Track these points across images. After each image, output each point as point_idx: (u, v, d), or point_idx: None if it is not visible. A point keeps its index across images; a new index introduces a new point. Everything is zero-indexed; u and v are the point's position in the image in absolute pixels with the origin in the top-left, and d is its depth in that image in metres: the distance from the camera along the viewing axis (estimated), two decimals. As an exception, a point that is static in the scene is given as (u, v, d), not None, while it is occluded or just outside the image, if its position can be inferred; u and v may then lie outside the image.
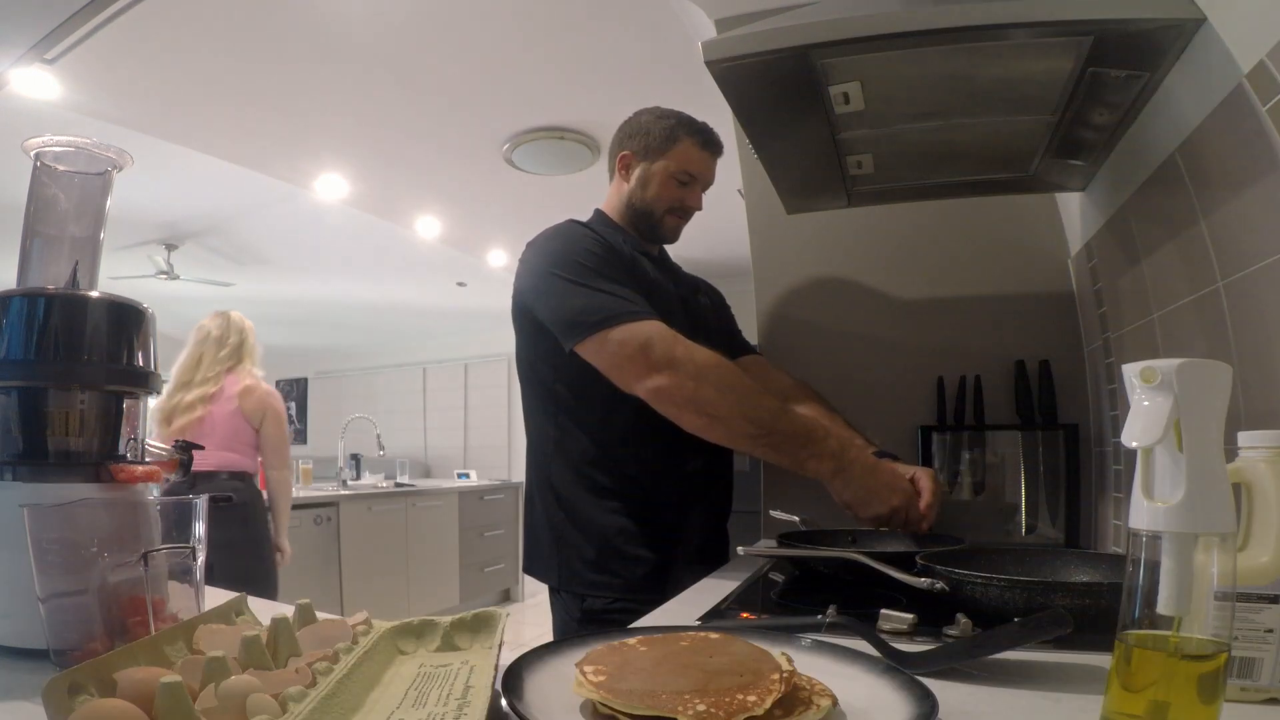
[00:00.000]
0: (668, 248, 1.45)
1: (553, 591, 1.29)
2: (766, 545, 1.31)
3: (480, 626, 0.65)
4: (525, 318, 1.24)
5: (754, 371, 1.42)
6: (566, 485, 1.25)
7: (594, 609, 1.20)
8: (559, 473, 1.26)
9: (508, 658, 0.59)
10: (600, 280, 1.15)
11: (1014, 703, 0.56)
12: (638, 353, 1.09)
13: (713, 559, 1.33)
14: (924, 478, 1.18)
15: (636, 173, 1.31)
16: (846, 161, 1.32)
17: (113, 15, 1.89)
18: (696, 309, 1.37)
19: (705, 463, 1.29)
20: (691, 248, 1.53)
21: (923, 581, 0.81)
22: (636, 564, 1.20)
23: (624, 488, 1.23)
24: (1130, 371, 0.46)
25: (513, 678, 0.54)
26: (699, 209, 1.34)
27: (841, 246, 1.79)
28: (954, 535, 1.23)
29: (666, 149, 1.29)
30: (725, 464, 1.40)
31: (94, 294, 0.72)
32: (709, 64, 1.00)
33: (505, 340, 1.90)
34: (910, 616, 0.76)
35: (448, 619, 0.66)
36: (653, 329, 1.10)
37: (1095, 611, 0.66)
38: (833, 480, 1.09)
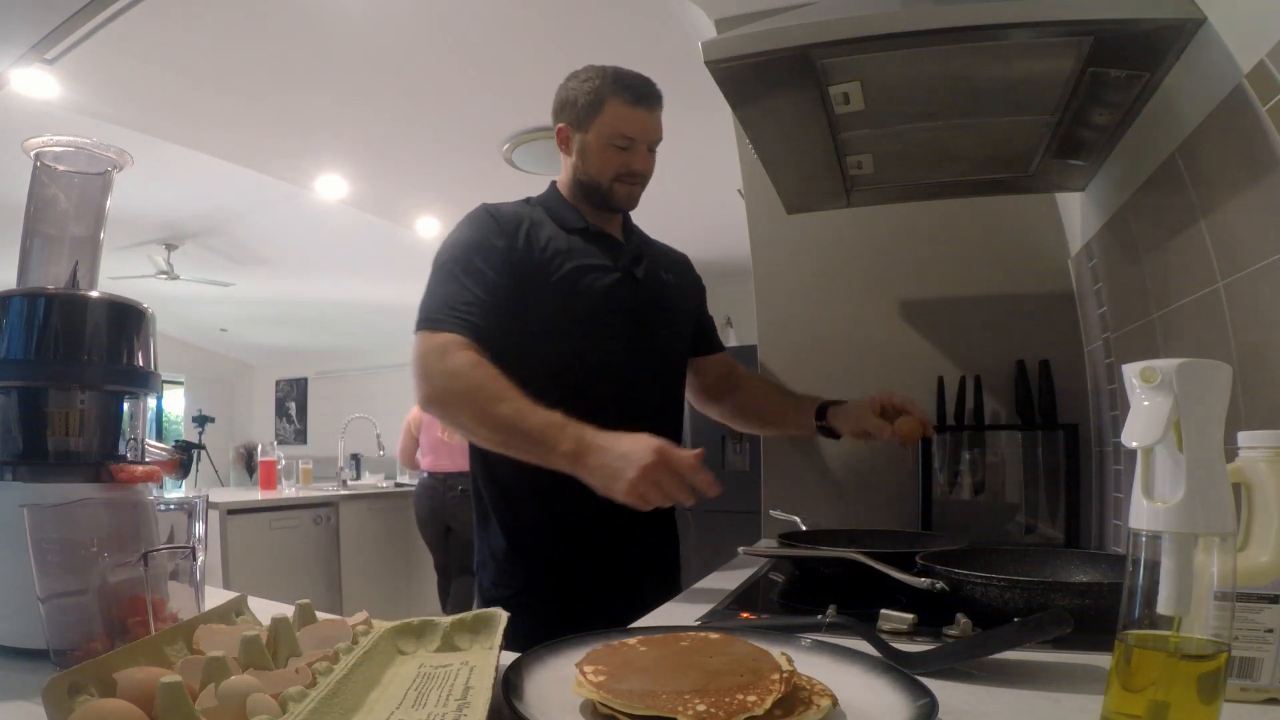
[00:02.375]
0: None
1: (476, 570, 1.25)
2: (766, 545, 1.31)
3: (480, 627, 0.65)
4: None
5: (718, 369, 1.43)
6: (487, 473, 1.21)
7: (494, 598, 1.15)
8: (478, 463, 1.22)
9: (507, 658, 0.59)
10: (449, 276, 1.11)
11: (1014, 703, 0.56)
12: (416, 364, 1.07)
13: (644, 566, 1.22)
14: (887, 399, 1.24)
15: (575, 145, 1.22)
16: (846, 161, 1.32)
17: (113, 15, 1.90)
18: (653, 284, 1.26)
19: None
20: (691, 247, 1.53)
21: (923, 581, 0.81)
22: (540, 563, 1.16)
23: (533, 484, 1.12)
24: (1130, 371, 0.46)
25: (513, 678, 0.54)
26: (648, 170, 1.22)
27: (841, 246, 1.79)
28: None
29: (595, 115, 1.18)
30: None
31: (94, 294, 0.72)
32: (709, 64, 1.00)
33: (505, 340, 1.87)
34: (910, 616, 0.76)
35: (448, 619, 0.65)
36: (434, 341, 1.06)
37: (1095, 611, 0.66)
38: (576, 471, 0.98)
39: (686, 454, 0.93)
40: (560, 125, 1.24)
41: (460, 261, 1.12)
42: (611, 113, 1.18)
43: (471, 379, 1.04)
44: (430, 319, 1.09)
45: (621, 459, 0.93)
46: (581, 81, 1.21)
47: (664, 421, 1.21)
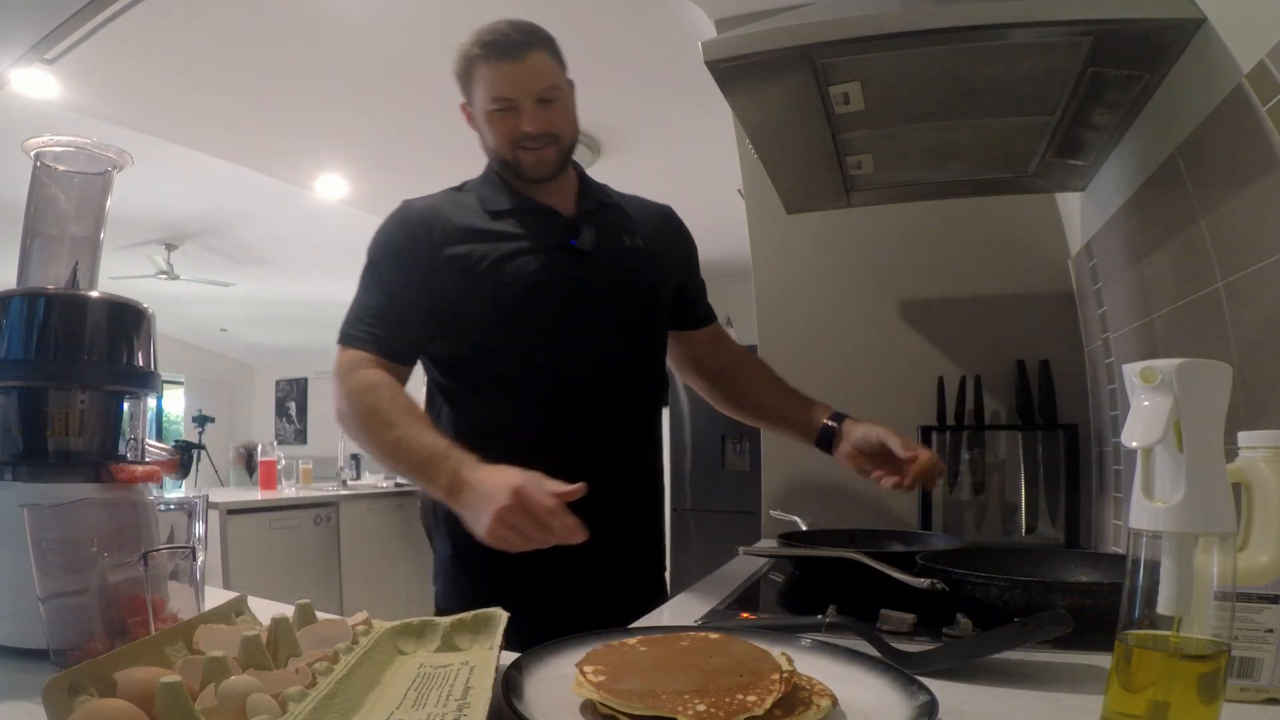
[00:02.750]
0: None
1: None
2: (766, 545, 1.31)
3: (480, 627, 0.65)
4: None
5: (708, 342, 1.28)
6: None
7: (444, 611, 1.00)
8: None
9: (507, 658, 0.59)
10: (364, 285, 1.08)
11: (1014, 703, 0.56)
12: (333, 380, 1.04)
13: (612, 577, 1.08)
14: (888, 437, 1.08)
15: (475, 123, 1.11)
16: (846, 161, 1.32)
17: (113, 15, 1.89)
18: (606, 256, 1.10)
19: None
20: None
21: (923, 581, 0.81)
22: (487, 575, 1.05)
23: None
24: (1130, 371, 0.46)
25: (513, 678, 0.54)
26: (547, 128, 1.05)
27: (841, 246, 1.79)
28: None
29: (472, 84, 1.06)
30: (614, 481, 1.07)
31: (94, 294, 0.72)
32: (709, 64, 1.01)
33: (505, 340, 1.86)
34: (910, 616, 0.76)
35: (448, 619, 0.65)
36: (344, 358, 1.04)
37: (1095, 611, 0.66)
38: (452, 505, 0.92)
39: (546, 496, 0.82)
40: (462, 103, 1.13)
41: (371, 268, 1.07)
42: (480, 77, 1.04)
43: (364, 402, 0.99)
44: (343, 333, 1.06)
45: (482, 500, 0.85)
46: (456, 53, 1.08)
47: (631, 415, 1.12)
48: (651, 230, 1.18)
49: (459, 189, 1.14)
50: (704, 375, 1.30)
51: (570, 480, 0.95)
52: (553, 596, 1.01)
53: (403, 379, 1.07)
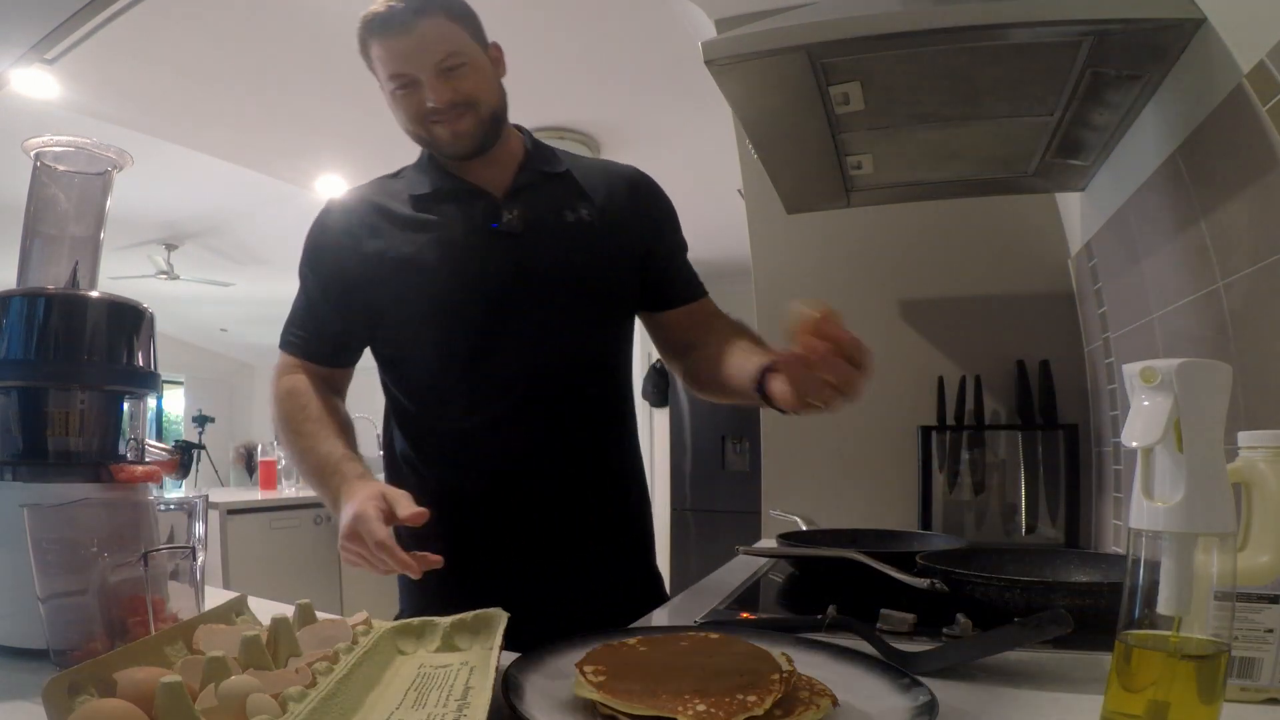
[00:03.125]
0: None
1: None
2: (766, 545, 1.31)
3: (480, 627, 0.65)
4: None
5: (683, 321, 1.09)
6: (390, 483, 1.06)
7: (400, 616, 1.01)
8: (389, 467, 1.10)
9: (507, 658, 0.59)
10: (301, 288, 1.06)
11: (1014, 703, 0.56)
12: None
13: (567, 589, 0.98)
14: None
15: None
16: (846, 161, 1.32)
17: (113, 15, 1.89)
18: (537, 235, 0.98)
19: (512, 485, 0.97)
20: (692, 248, 1.52)
21: (923, 581, 0.81)
22: (434, 583, 0.96)
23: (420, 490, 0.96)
24: (1130, 371, 0.46)
25: (513, 678, 0.54)
26: (452, 98, 0.94)
27: (841, 246, 1.79)
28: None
29: (372, 65, 0.98)
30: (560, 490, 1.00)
31: (94, 294, 0.72)
32: (709, 64, 1.01)
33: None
34: (910, 616, 0.75)
35: (448, 620, 0.65)
36: (278, 364, 1.05)
37: (1095, 611, 0.66)
38: (336, 514, 0.87)
39: (379, 528, 0.76)
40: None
41: (300, 272, 1.05)
42: (375, 53, 0.96)
43: (279, 410, 0.99)
44: (281, 340, 1.06)
45: (341, 522, 0.82)
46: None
47: (574, 409, 1.00)
48: (607, 199, 1.03)
49: (394, 175, 1.08)
50: (675, 355, 1.12)
51: (499, 485, 0.97)
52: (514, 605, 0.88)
53: (336, 380, 1.06)
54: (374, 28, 0.94)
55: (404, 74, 0.94)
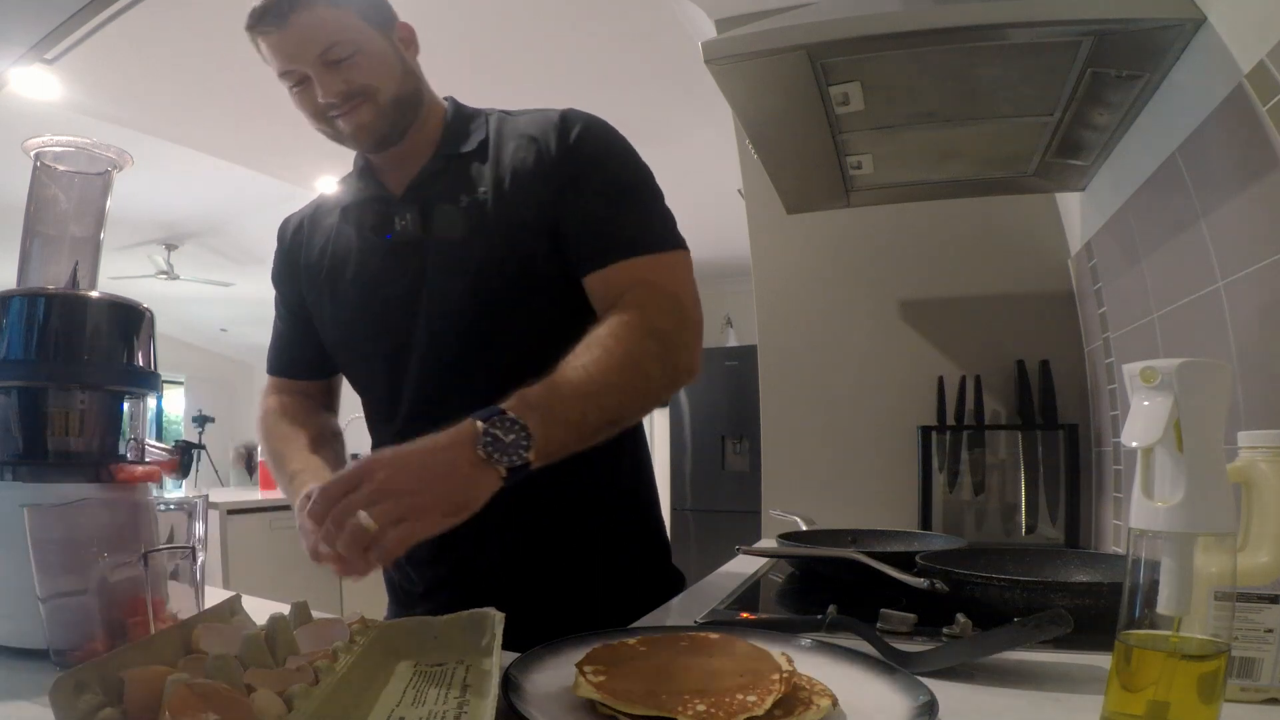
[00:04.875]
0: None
1: None
2: (766, 545, 1.31)
3: (474, 627, 0.65)
4: None
5: (602, 291, 0.87)
6: None
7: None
8: None
9: (507, 657, 0.59)
10: (275, 305, 1.07)
11: (1014, 703, 0.56)
12: None
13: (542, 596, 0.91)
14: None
15: None
16: (846, 161, 1.32)
17: (113, 15, 1.89)
18: (441, 228, 0.90)
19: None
20: (691, 247, 1.51)
21: (923, 581, 0.81)
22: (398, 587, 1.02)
23: None
24: (1130, 371, 0.46)
25: (513, 677, 0.54)
26: (344, 88, 0.87)
27: (841, 246, 1.79)
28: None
29: (266, 62, 0.90)
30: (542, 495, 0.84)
31: (94, 294, 0.72)
32: (709, 64, 1.01)
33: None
34: (910, 616, 0.75)
35: (441, 619, 0.66)
36: (264, 387, 1.07)
37: (1095, 611, 0.66)
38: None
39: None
40: None
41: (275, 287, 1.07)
42: (262, 51, 0.89)
43: (261, 429, 1.01)
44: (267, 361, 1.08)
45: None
46: None
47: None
48: (513, 165, 0.89)
49: (343, 180, 1.02)
50: None
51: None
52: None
53: (319, 393, 1.07)
54: (252, 23, 0.86)
55: (290, 70, 0.87)
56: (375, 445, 0.98)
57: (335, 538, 0.62)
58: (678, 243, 0.89)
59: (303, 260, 0.99)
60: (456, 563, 0.93)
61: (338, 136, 0.92)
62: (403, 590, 1.01)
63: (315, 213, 1.03)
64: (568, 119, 0.90)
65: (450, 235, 0.89)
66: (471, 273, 0.87)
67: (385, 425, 0.96)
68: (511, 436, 0.66)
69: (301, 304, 1.02)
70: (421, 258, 0.90)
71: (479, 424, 0.66)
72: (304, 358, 1.05)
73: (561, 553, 0.93)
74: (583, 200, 0.87)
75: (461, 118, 0.96)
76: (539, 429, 0.67)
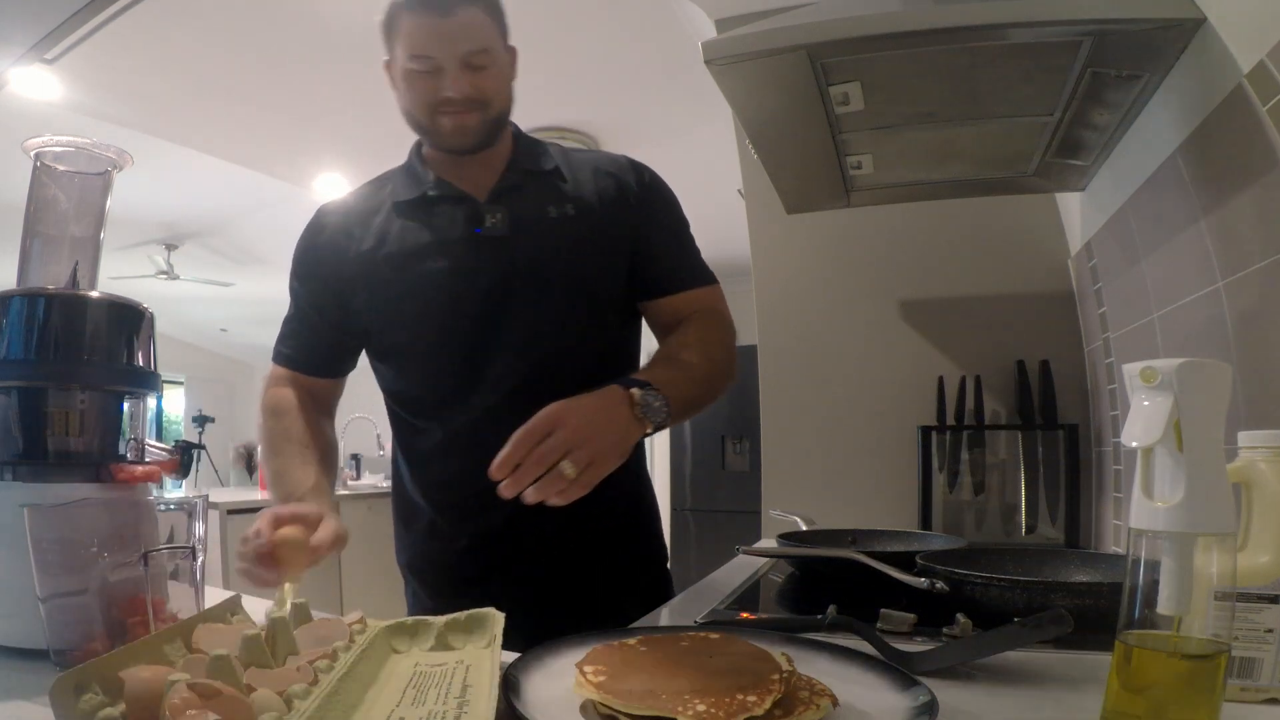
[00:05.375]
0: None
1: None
2: (766, 545, 1.31)
3: (474, 627, 0.65)
4: None
5: (669, 317, 1.04)
6: (395, 489, 1.11)
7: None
8: (394, 475, 1.11)
9: (507, 657, 0.59)
10: (292, 301, 1.06)
11: (1014, 703, 0.56)
12: None
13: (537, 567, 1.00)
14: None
15: (392, 79, 0.98)
16: (846, 161, 1.32)
17: (113, 15, 1.89)
18: (525, 235, 0.97)
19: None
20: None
21: (923, 581, 0.81)
22: (428, 587, 1.08)
23: (423, 500, 1.04)
24: (1130, 371, 0.46)
25: (513, 678, 0.54)
26: (472, 93, 0.93)
27: (841, 246, 1.79)
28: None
29: (394, 38, 0.94)
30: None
31: (94, 294, 0.72)
32: (709, 64, 1.01)
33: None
34: (910, 616, 0.75)
35: (442, 619, 0.66)
36: (267, 376, 1.05)
37: (1095, 611, 0.66)
38: None
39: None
40: (384, 59, 0.99)
41: (290, 285, 1.05)
42: (405, 31, 0.92)
43: (263, 425, 0.99)
44: (274, 352, 1.06)
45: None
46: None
47: None
48: (595, 192, 1.01)
49: (380, 181, 1.06)
50: None
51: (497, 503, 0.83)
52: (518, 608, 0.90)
53: (326, 394, 1.06)
54: (414, 5, 0.91)
55: (429, 56, 0.91)
56: (413, 439, 1.03)
57: (530, 477, 0.71)
58: (716, 277, 1.08)
59: (353, 251, 0.98)
60: (497, 554, 1.00)
61: (430, 129, 0.96)
62: (444, 580, 1.05)
63: (357, 207, 1.03)
64: (638, 165, 1.07)
65: (540, 240, 0.97)
66: (559, 278, 0.97)
67: (456, 408, 0.98)
68: (658, 403, 0.82)
69: (336, 293, 1.00)
70: (511, 256, 0.96)
71: (634, 390, 0.81)
72: (321, 353, 1.04)
73: (585, 552, 1.01)
74: (657, 235, 1.03)
75: (528, 140, 1.05)
76: (673, 400, 0.83)
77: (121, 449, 0.72)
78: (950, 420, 1.64)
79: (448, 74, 0.91)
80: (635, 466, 1.08)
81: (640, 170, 1.06)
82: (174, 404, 8.10)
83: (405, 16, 0.91)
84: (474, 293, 0.95)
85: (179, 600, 0.62)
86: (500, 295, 0.95)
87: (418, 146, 1.05)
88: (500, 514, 0.92)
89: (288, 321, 1.05)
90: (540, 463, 0.71)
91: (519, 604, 0.72)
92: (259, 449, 1.02)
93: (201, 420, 6.56)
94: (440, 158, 1.01)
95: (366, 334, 1.01)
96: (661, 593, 1.09)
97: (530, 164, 1.02)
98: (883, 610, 0.77)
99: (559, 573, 1.00)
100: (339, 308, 1.00)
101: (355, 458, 5.27)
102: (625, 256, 1.01)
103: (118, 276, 4.86)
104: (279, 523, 0.76)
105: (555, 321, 0.97)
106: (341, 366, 1.06)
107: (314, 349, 1.04)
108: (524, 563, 1.00)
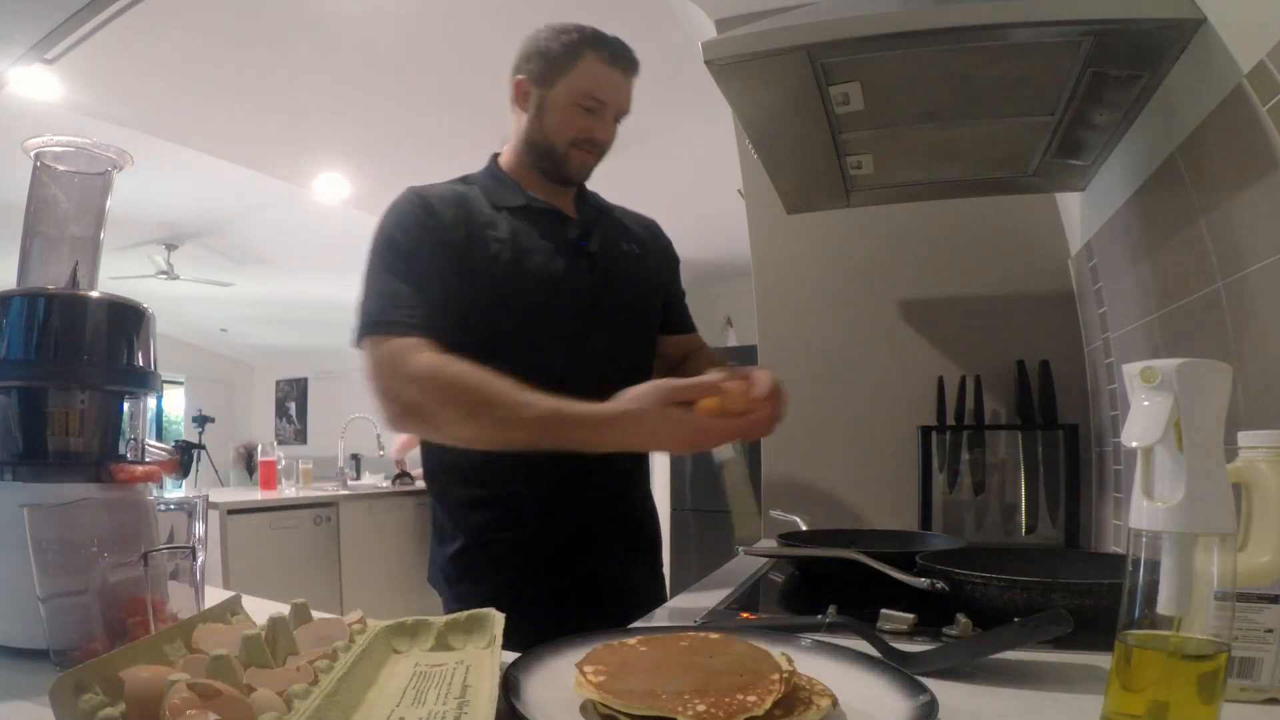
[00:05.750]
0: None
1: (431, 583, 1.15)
2: (766, 545, 1.31)
3: (474, 627, 0.65)
4: None
5: (678, 350, 1.25)
6: (441, 477, 1.12)
7: (465, 598, 1.06)
8: (435, 462, 1.12)
9: (507, 657, 0.59)
10: (385, 273, 1.00)
11: (1014, 703, 0.56)
12: (370, 378, 0.96)
13: (610, 559, 1.11)
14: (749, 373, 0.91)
15: (534, 101, 1.08)
16: (846, 161, 1.32)
17: (113, 15, 1.90)
18: (604, 258, 1.11)
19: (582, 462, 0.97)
20: (692, 248, 1.52)
21: (923, 581, 0.81)
22: (499, 560, 1.07)
23: (492, 483, 1.07)
24: (1130, 371, 0.46)
25: (513, 678, 0.54)
26: (609, 141, 1.10)
27: (841, 246, 1.79)
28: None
29: (566, 69, 1.05)
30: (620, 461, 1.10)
31: (94, 294, 0.72)
32: (709, 64, 1.01)
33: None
34: (910, 616, 0.76)
35: (442, 619, 0.66)
36: (385, 350, 0.95)
37: (1095, 611, 0.66)
38: (602, 444, 0.89)
39: (754, 393, 0.87)
40: (520, 78, 1.09)
41: (389, 252, 1.01)
42: (586, 68, 1.05)
43: (447, 384, 0.91)
44: (370, 324, 0.98)
45: (651, 425, 0.86)
46: (558, 33, 1.08)
47: None
48: (642, 237, 1.21)
49: (463, 181, 1.11)
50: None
51: (574, 486, 1.07)
52: (567, 593, 1.04)
53: None
54: (605, 50, 1.07)
55: (600, 100, 1.06)
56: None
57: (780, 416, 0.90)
58: None
59: (472, 220, 1.04)
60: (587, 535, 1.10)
61: (559, 157, 1.09)
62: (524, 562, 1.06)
63: (460, 198, 1.07)
64: (659, 225, 1.29)
65: (619, 266, 1.14)
66: (633, 303, 1.15)
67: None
68: None
69: (453, 259, 1.01)
70: (602, 273, 1.11)
71: None
72: (448, 316, 0.99)
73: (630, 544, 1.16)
74: (676, 286, 1.28)
75: (584, 186, 1.19)
76: None
77: (121, 449, 0.72)
78: (950, 420, 1.64)
79: (604, 120, 1.08)
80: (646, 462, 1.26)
81: (662, 230, 1.28)
82: (174, 404, 8.10)
83: (593, 60, 1.06)
84: (574, 297, 1.07)
85: (179, 600, 0.62)
86: (595, 308, 1.08)
87: (495, 159, 1.16)
88: (591, 497, 1.09)
89: (402, 293, 0.98)
90: (785, 407, 0.91)
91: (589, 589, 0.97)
92: (445, 410, 0.92)
93: (201, 420, 6.57)
94: (529, 178, 1.12)
95: (465, 318, 1.01)
96: (658, 591, 1.21)
97: (597, 203, 1.20)
98: (883, 610, 0.77)
99: (621, 561, 1.13)
100: (456, 272, 1.01)
101: (355, 457, 5.28)
102: (662, 297, 1.22)
103: (118, 276, 4.86)
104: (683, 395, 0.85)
105: (626, 340, 1.13)
106: (451, 339, 0.99)
107: (441, 318, 0.99)
108: (604, 547, 1.10)
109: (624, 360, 1.10)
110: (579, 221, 1.12)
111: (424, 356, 0.94)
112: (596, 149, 1.09)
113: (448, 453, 1.07)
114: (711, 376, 0.87)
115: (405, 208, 1.04)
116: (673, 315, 1.25)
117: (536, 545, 1.06)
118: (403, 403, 0.94)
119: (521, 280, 1.03)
